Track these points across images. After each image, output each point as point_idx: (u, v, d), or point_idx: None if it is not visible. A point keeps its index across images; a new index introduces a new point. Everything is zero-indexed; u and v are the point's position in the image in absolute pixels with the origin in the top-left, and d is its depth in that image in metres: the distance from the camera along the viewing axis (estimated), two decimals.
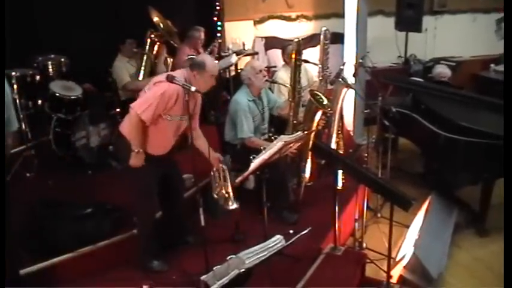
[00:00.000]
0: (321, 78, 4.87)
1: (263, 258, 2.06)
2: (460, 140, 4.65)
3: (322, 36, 4.77)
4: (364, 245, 4.37)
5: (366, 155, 4.85)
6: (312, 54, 6.35)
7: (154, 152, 3.49)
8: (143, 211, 3.66)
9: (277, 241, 2.21)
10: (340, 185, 4.24)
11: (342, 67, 4.59)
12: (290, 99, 4.57)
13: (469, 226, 4.82)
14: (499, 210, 4.65)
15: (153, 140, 3.44)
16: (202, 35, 6.29)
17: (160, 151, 3.53)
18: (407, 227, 4.59)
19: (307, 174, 4.61)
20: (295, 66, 4.53)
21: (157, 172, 3.56)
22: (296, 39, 4.60)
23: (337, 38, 6.66)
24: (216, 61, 6.54)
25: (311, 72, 5.36)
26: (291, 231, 3.83)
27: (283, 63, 5.54)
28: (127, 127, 3.40)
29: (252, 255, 2.05)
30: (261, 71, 4.45)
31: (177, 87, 3.23)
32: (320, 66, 4.83)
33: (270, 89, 5.15)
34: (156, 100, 3.24)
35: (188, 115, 3.24)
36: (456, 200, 5.11)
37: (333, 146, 4.64)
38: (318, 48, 4.89)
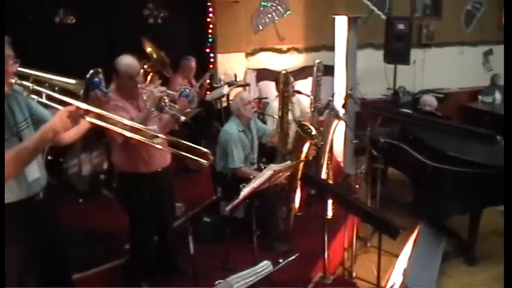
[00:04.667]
0: (312, 109, 4.95)
1: (251, 283, 2.09)
2: (448, 170, 4.70)
3: (315, 69, 4.87)
4: (354, 274, 4.38)
5: (357, 186, 4.89)
6: (303, 86, 6.47)
7: (150, 165, 3.47)
8: (136, 236, 3.68)
9: (265, 266, 2.24)
10: (330, 215, 4.27)
11: (331, 98, 4.69)
12: (278, 130, 4.63)
13: (458, 255, 4.84)
14: (488, 239, 4.74)
15: (138, 151, 3.42)
16: (193, 64, 6.40)
17: (151, 163, 3.49)
18: (397, 256, 4.61)
19: (297, 204, 4.64)
20: (283, 97, 4.60)
21: (150, 196, 3.56)
22: (284, 71, 4.69)
23: (328, 70, 6.80)
24: (208, 92, 6.72)
25: (304, 103, 5.46)
26: (281, 260, 3.83)
27: (276, 94, 5.65)
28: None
29: (240, 280, 2.07)
30: (249, 102, 4.53)
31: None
32: (312, 97, 4.92)
33: (262, 120, 5.24)
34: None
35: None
36: (445, 229, 5.14)
37: (323, 176, 4.69)
38: (309, 80, 4.98)
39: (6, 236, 2.47)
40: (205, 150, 2.67)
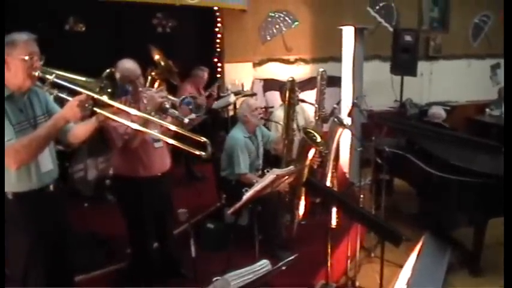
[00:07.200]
0: (317, 118, 4.96)
1: (248, 281, 2.09)
2: (453, 180, 4.69)
3: (318, 77, 4.90)
4: (357, 283, 4.35)
5: (362, 196, 4.88)
6: (310, 96, 6.47)
7: (149, 170, 3.49)
8: (135, 241, 3.69)
9: (263, 265, 2.25)
10: (334, 223, 4.26)
11: (335, 106, 4.70)
12: (284, 137, 4.65)
13: (463, 266, 4.80)
14: (493, 250, 4.69)
15: (138, 154, 3.43)
16: (206, 75, 6.48)
17: (151, 167, 3.51)
18: (401, 267, 4.57)
19: (301, 211, 4.63)
20: (289, 104, 4.63)
21: (148, 201, 3.56)
22: (290, 78, 4.71)
23: (335, 81, 6.82)
24: (215, 101, 6.76)
25: (308, 112, 5.47)
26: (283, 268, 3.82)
27: (280, 103, 5.66)
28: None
29: (237, 278, 2.08)
30: (256, 108, 4.56)
31: None
32: (316, 106, 4.93)
33: (267, 127, 5.26)
34: None
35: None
36: (450, 239, 5.10)
37: (328, 184, 4.68)
38: (315, 90, 4.99)
39: (15, 225, 2.58)
40: (203, 139, 2.65)
